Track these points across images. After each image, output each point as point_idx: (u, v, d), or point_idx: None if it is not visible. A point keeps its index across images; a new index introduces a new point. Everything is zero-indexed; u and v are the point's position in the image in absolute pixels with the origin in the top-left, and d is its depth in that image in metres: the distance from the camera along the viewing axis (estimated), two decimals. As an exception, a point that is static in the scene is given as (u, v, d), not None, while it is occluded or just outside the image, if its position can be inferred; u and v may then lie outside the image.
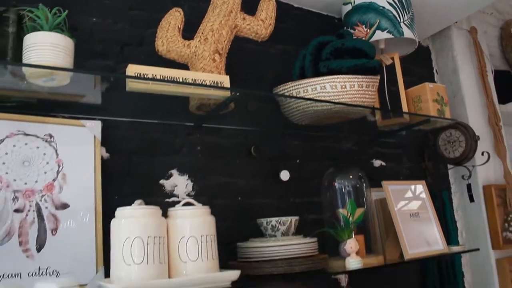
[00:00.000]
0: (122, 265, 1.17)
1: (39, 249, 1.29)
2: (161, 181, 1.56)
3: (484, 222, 2.38)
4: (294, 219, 1.53)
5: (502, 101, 2.73)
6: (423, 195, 1.92)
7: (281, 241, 1.43)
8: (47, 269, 1.28)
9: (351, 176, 1.78)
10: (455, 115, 2.45)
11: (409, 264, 2.11)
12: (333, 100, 1.59)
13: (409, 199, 1.85)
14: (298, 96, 1.61)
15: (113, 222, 1.22)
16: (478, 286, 2.40)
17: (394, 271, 2.03)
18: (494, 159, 2.49)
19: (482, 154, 2.30)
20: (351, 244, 1.54)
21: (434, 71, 2.64)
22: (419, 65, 2.53)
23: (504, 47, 3.06)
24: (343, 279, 1.90)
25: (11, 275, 1.23)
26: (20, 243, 1.27)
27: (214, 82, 1.34)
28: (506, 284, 2.34)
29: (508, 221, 2.44)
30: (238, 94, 1.35)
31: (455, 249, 1.91)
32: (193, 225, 1.25)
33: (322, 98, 1.59)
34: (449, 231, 2.31)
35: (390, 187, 1.79)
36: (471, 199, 2.34)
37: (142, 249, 1.16)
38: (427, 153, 2.36)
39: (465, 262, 2.41)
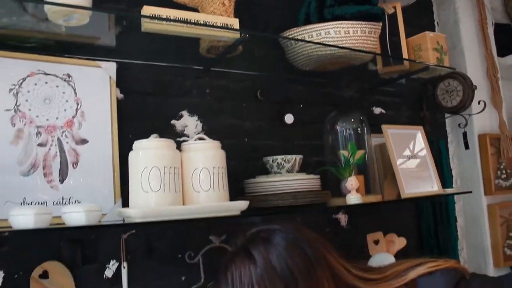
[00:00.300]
0: (140, 193, 1.27)
1: (61, 180, 1.39)
2: (172, 121, 1.64)
3: (478, 169, 2.49)
4: (298, 157, 1.63)
5: (501, 54, 2.78)
6: (421, 140, 2.01)
7: (286, 177, 1.54)
8: (69, 198, 1.38)
9: (352, 120, 1.86)
10: (454, 66, 2.50)
11: (405, 205, 2.25)
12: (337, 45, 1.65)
13: (407, 143, 1.95)
14: (302, 40, 1.67)
15: (131, 154, 1.32)
16: (470, 230, 2.53)
17: (391, 212, 2.15)
18: (490, 109, 2.57)
19: (479, 103, 2.38)
20: (352, 182, 1.64)
21: (435, 22, 2.68)
22: (420, 17, 2.57)
23: (506, 1, 3.08)
24: (343, 218, 2.01)
25: (38, 203, 1.33)
26: (45, 175, 1.36)
27: (224, 24, 1.41)
28: (496, 228, 2.47)
29: (500, 169, 2.55)
30: (247, 35, 1.41)
31: (449, 190, 2.02)
32: (205, 158, 1.34)
33: (326, 43, 1.66)
34: (445, 178, 2.41)
35: (390, 131, 1.88)
36: (466, 146, 2.43)
37: (159, 178, 1.26)
38: (426, 103, 2.44)
39: (458, 208, 2.53)
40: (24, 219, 1.12)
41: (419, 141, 2.01)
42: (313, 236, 1.01)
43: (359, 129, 1.88)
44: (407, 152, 1.93)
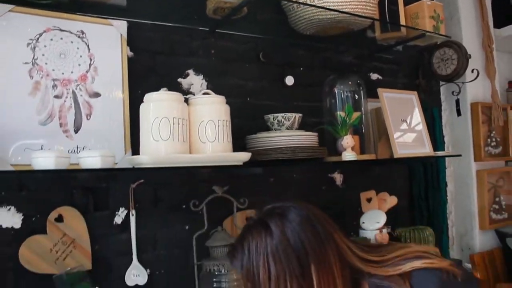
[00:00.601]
0: (151, 142, 1.37)
1: (76, 131, 1.48)
2: (179, 80, 1.73)
3: (469, 136, 2.59)
4: (297, 115, 1.72)
5: (497, 25, 2.85)
6: (415, 104, 2.11)
7: (286, 133, 1.63)
8: (83, 147, 1.48)
9: (350, 83, 1.95)
10: (451, 35, 2.58)
11: (398, 167, 2.35)
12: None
13: (401, 107, 2.04)
14: (305, 3, 1.75)
15: (143, 106, 1.41)
16: (459, 194, 2.66)
17: (384, 173, 2.26)
18: (484, 79, 2.66)
19: (472, 71, 2.46)
20: (348, 140, 1.74)
21: (434, -7, 2.74)
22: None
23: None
24: (338, 177, 2.12)
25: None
26: (61, 125, 1.46)
27: (231, -15, 1.49)
28: (483, 193, 2.59)
29: (490, 137, 2.66)
30: (253, -4, 1.49)
31: (440, 153, 2.13)
32: (211, 111, 1.44)
33: (327, 7, 1.73)
34: (437, 144, 2.51)
35: (385, 94, 1.97)
36: (459, 113, 2.53)
37: (168, 127, 1.36)
38: (421, 70, 2.52)
39: (449, 173, 2.65)
40: (45, 161, 1.23)
41: (413, 106, 2.11)
42: (322, 215, 1.08)
43: (356, 92, 1.97)
44: (401, 116, 2.02)
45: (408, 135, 2.01)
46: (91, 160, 1.28)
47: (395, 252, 1.04)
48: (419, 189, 2.43)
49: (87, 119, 1.50)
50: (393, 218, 2.06)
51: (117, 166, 1.47)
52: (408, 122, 2.04)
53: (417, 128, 2.07)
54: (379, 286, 1.01)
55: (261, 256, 0.97)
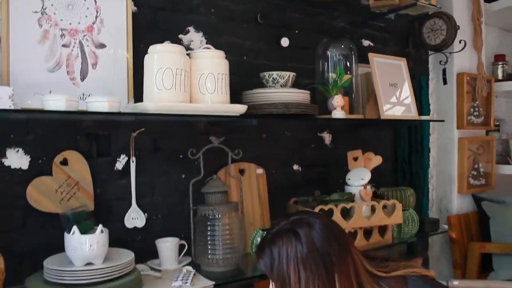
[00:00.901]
0: (154, 90, 1.46)
1: (82, 79, 1.57)
2: (180, 36, 1.81)
3: (453, 104, 2.71)
4: (291, 74, 1.82)
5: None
6: (403, 70, 2.21)
7: (281, 89, 1.73)
8: (89, 95, 1.56)
9: (342, 46, 2.04)
10: (442, 6, 2.65)
11: (384, 130, 2.47)
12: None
13: (390, 72, 2.14)
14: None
15: (147, 57, 1.50)
16: (441, 160, 2.79)
17: (371, 134, 2.38)
18: (471, 51, 2.76)
19: (460, 42, 2.56)
20: (338, 99, 1.84)
21: (427, -37, 2.81)
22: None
23: None
24: (327, 137, 2.24)
25: (63, 95, 1.51)
26: (68, 73, 1.54)
27: None
28: (464, 159, 2.73)
29: (473, 107, 2.78)
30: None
31: (424, 117, 2.25)
32: (212, 64, 1.53)
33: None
34: (423, 112, 2.62)
35: (375, 59, 2.07)
36: (445, 82, 2.64)
37: (171, 78, 1.45)
38: (412, 39, 2.61)
39: (432, 139, 2.78)
40: (55, 103, 1.31)
41: (402, 72, 2.21)
42: (341, 229, 1.19)
43: (348, 56, 2.06)
44: (389, 80, 2.12)
45: (395, 99, 2.12)
46: (99, 104, 1.37)
47: (399, 271, 1.15)
48: (403, 153, 2.55)
49: (93, 68, 1.58)
50: (378, 179, 2.18)
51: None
52: (396, 87, 2.14)
53: (404, 93, 2.18)
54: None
55: (292, 261, 1.06)
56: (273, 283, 1.11)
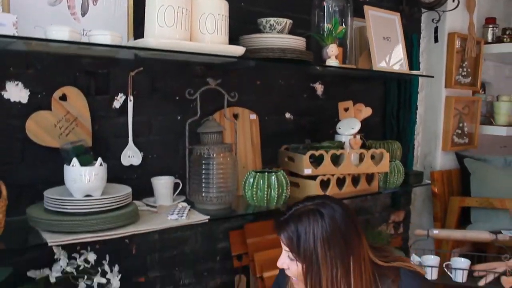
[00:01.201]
0: (156, 27, 1.48)
1: (83, 14, 1.58)
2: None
3: (443, 63, 2.77)
4: (288, 21, 1.85)
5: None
6: (397, 25, 2.25)
7: (278, 35, 1.76)
8: (90, 30, 1.57)
9: (338, -2, 2.07)
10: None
11: (374, 83, 2.52)
12: None
13: (384, 26, 2.18)
14: None
15: (148, -5, 1.51)
16: (427, 118, 2.87)
17: (362, 87, 2.43)
18: (463, 11, 2.80)
19: (453, 0, 2.60)
20: (332, 49, 1.89)
21: None
22: None
23: None
24: (319, 88, 2.28)
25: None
26: (69, 7, 1.55)
27: None
28: (449, 118, 2.81)
29: (462, 67, 2.85)
30: None
31: (414, 72, 2.30)
32: (212, 5, 1.55)
33: None
34: (413, 69, 2.67)
35: (370, 12, 2.10)
36: (436, 40, 2.69)
37: (173, 15, 1.47)
38: (406, -3, 2.65)
39: (420, 98, 2.84)
40: (58, 33, 1.33)
41: (395, 26, 2.25)
42: (356, 217, 1.30)
43: (343, 8, 2.09)
44: (383, 34, 2.16)
45: (387, 52, 2.16)
46: (101, 37, 1.39)
47: (395, 263, 1.29)
48: (392, 109, 2.62)
49: (94, 4, 1.59)
50: (366, 132, 2.24)
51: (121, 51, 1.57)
52: (389, 41, 2.19)
53: (396, 47, 2.22)
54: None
55: (319, 240, 1.18)
56: (293, 255, 1.22)
